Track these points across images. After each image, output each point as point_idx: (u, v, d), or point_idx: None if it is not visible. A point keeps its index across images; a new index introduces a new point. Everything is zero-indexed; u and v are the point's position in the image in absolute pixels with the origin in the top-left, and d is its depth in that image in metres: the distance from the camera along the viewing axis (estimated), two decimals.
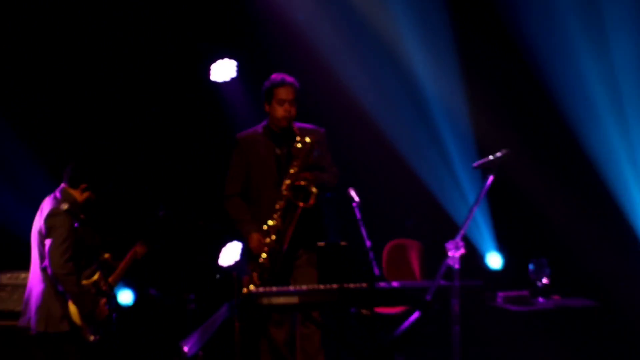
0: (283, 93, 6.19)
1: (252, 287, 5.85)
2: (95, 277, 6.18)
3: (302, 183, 6.03)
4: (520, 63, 7.68)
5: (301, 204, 6.03)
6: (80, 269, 6.14)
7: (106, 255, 6.31)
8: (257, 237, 6.14)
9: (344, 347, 5.43)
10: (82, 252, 6.13)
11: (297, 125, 6.23)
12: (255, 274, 6.10)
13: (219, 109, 8.14)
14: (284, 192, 6.07)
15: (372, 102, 8.05)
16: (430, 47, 7.81)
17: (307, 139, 6.10)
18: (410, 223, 8.32)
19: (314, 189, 6.03)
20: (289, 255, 6.15)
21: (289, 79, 6.25)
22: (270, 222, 6.10)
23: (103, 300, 6.20)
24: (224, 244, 7.78)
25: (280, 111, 6.18)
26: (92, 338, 6.08)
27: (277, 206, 6.09)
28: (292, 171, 6.09)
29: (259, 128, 6.33)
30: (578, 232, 7.52)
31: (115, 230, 7.12)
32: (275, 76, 6.27)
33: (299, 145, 6.09)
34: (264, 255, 6.10)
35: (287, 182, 6.08)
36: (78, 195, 6.22)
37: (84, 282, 6.14)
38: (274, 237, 6.09)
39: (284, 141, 6.25)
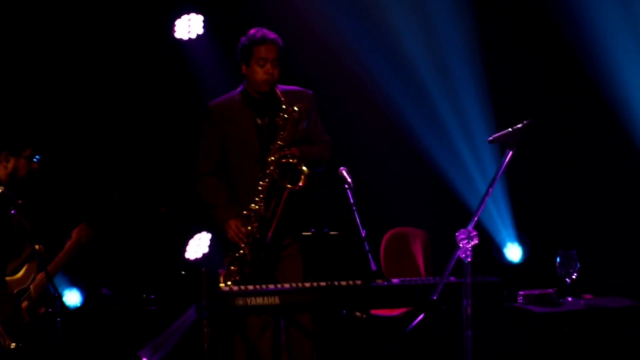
0: (264, 52, 6.14)
1: (229, 283, 5.81)
2: (22, 273, 6.10)
3: (291, 161, 5.99)
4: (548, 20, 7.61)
5: (289, 186, 5.99)
6: (4, 262, 6.03)
7: (37, 247, 6.16)
8: (236, 224, 6.07)
9: (336, 356, 5.38)
10: (7, 241, 6.03)
11: (281, 88, 6.17)
12: (233, 268, 6.02)
13: (183, 72, 8.13)
14: (268, 171, 6.01)
15: (368, 62, 7.90)
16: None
17: (296, 107, 6.03)
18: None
19: (304, 169, 5.97)
20: (274, 245, 6.09)
21: (271, 35, 6.19)
22: (252, 207, 6.04)
23: (25, 304, 6.14)
24: (190, 235, 7.80)
25: (260, 73, 6.14)
26: (12, 346, 5.92)
27: (260, 187, 6.04)
28: (277, 145, 6.03)
29: (235, 94, 6.27)
30: (614, 219, 7.53)
31: (51, 215, 6.94)
32: (254, 32, 6.20)
33: (286, 115, 6.03)
34: (243, 246, 6.03)
35: (272, 158, 6.03)
36: (1, 169, 6.05)
37: (8, 278, 6.08)
38: (256, 224, 6.03)
39: (266, 109, 6.19)
